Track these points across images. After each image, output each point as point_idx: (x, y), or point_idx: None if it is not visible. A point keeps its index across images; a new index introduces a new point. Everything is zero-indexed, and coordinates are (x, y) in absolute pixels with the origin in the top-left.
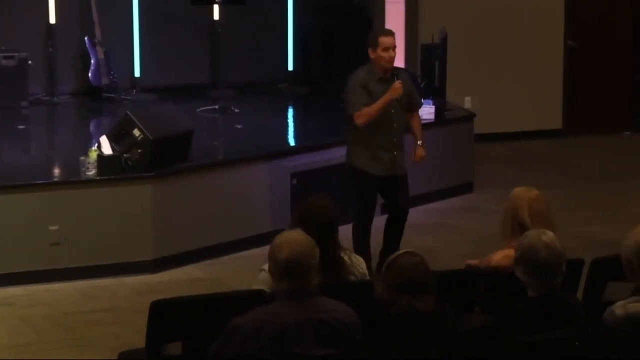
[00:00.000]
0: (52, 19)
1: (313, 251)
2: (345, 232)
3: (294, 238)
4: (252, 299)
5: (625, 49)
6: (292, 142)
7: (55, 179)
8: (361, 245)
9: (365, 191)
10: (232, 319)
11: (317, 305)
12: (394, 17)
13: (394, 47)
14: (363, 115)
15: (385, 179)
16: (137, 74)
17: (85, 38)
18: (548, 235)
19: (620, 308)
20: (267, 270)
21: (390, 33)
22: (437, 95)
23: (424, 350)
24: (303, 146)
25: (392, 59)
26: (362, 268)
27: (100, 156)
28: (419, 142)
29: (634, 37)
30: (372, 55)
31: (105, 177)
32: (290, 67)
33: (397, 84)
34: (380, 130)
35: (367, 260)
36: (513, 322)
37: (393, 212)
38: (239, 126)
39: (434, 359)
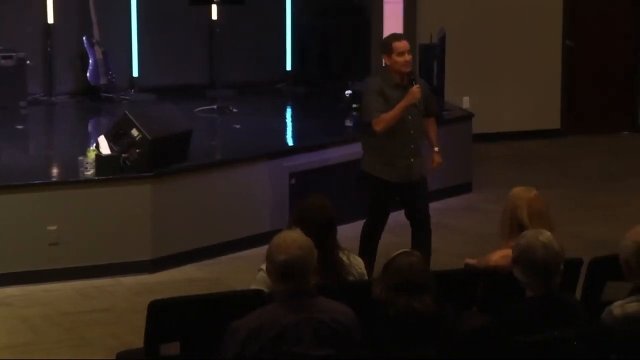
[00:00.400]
0: (51, 19)
1: (311, 253)
2: (344, 232)
3: (293, 240)
4: (250, 299)
5: (623, 49)
6: (290, 142)
7: (54, 179)
8: (365, 247)
9: (375, 196)
10: (231, 322)
11: (315, 306)
12: (393, 18)
13: (408, 51)
14: (380, 121)
15: (401, 185)
16: (135, 73)
17: (84, 38)
18: (545, 235)
19: (618, 308)
20: (265, 270)
21: (403, 37)
22: (436, 95)
23: (423, 350)
24: (302, 146)
25: (408, 62)
26: (360, 268)
27: (99, 156)
28: (435, 149)
29: (632, 37)
30: (387, 61)
31: (104, 177)
32: (288, 67)
33: (415, 89)
34: (397, 137)
35: (371, 261)
36: (511, 322)
37: (410, 216)
38: (237, 126)
39: (433, 359)
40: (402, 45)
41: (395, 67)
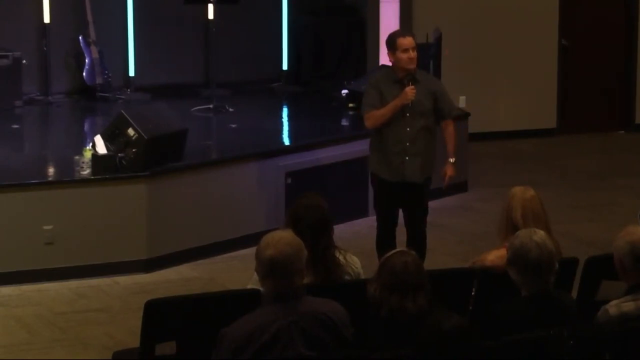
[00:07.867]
0: (47, 19)
1: (300, 252)
2: (340, 232)
3: (281, 237)
4: (246, 298)
5: (619, 48)
6: (287, 141)
7: (50, 179)
8: (378, 252)
9: (378, 195)
10: (221, 329)
11: (303, 306)
12: (389, 17)
13: (413, 48)
14: (370, 117)
15: (398, 185)
16: (131, 73)
17: (80, 37)
18: (539, 235)
19: (614, 307)
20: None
21: (409, 33)
22: None
23: (414, 349)
24: (298, 145)
25: (413, 60)
26: (357, 267)
27: (95, 156)
28: (450, 160)
29: (627, 37)
30: (391, 58)
31: (100, 177)
32: (284, 67)
33: (409, 89)
34: (392, 134)
35: None
36: (506, 321)
37: (405, 224)
38: (233, 125)
39: (423, 358)
40: (407, 42)
41: (399, 64)
